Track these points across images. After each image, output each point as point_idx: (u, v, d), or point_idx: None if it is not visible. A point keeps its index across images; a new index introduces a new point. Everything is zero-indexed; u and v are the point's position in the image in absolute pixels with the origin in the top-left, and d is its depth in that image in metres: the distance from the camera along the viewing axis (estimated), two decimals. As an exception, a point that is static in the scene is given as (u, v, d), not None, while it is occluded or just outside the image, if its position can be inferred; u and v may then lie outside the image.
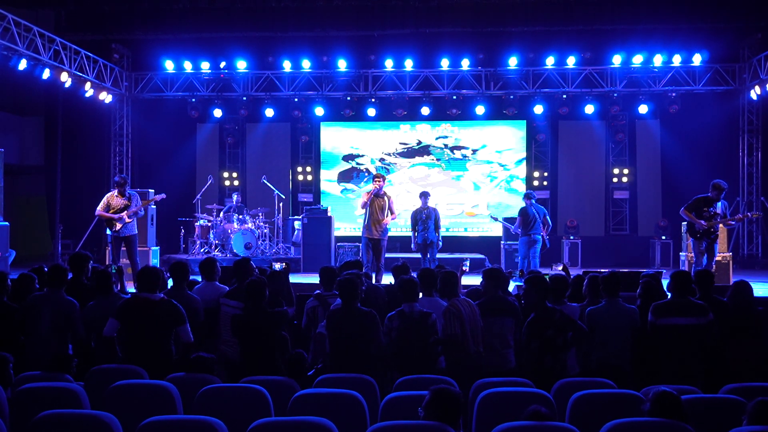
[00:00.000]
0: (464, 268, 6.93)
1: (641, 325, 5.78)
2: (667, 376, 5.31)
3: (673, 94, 14.77)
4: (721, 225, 9.89)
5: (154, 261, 12.18)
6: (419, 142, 16.26)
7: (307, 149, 16.67)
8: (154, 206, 12.27)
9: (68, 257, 7.10)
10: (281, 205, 15.00)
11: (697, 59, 14.29)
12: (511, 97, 15.19)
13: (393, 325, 5.59)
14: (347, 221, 15.53)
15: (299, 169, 16.68)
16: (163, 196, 11.11)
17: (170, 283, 6.61)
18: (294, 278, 6.78)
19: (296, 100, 15.48)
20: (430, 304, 5.90)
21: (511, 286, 7.14)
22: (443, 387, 3.61)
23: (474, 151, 16.14)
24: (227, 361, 5.86)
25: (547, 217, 11.48)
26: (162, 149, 16.00)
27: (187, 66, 15.09)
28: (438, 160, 16.20)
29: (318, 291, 6.51)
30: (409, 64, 14.81)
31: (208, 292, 6.44)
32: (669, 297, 5.74)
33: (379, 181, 10.69)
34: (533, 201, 11.40)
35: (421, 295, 6.03)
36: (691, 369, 5.50)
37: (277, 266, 6.44)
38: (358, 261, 7.57)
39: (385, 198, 10.75)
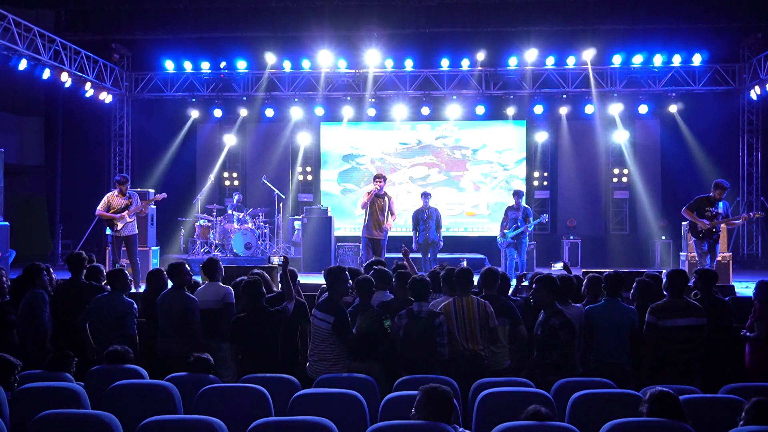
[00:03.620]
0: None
1: (640, 325, 5.77)
2: (667, 375, 5.31)
3: (673, 94, 14.79)
4: (723, 225, 9.88)
5: (154, 261, 12.17)
6: (419, 142, 16.26)
7: (307, 149, 16.67)
8: (154, 206, 12.29)
9: (66, 258, 7.19)
10: (281, 205, 15.01)
11: (696, 59, 14.29)
12: (511, 97, 15.20)
13: (401, 323, 5.60)
14: (347, 221, 15.53)
15: (299, 169, 16.68)
16: (164, 195, 11.11)
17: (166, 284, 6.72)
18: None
19: (296, 100, 15.49)
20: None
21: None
22: (433, 386, 3.60)
23: (474, 151, 16.15)
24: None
25: None
26: (162, 149, 15.98)
27: (187, 66, 15.09)
28: (438, 160, 16.20)
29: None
30: (409, 64, 14.82)
31: (210, 292, 6.43)
32: (666, 297, 5.71)
33: (379, 182, 10.71)
34: None
35: (444, 295, 6.09)
36: (691, 368, 5.50)
37: (275, 260, 6.41)
38: (381, 261, 7.57)
39: (386, 198, 10.78)
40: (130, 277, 6.73)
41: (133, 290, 9.01)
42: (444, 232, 11.72)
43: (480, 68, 14.83)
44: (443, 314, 5.64)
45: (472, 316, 5.63)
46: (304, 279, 11.41)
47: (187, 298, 6.29)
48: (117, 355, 5.14)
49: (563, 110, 15.33)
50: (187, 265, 6.50)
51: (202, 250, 14.28)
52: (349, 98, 15.42)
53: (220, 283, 6.52)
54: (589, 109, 15.13)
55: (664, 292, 5.86)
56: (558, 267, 6.82)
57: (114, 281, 6.40)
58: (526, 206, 11.91)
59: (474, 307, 5.67)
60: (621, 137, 15.70)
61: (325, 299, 5.76)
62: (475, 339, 5.61)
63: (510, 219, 11.55)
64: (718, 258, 10.11)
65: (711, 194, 9.48)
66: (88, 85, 13.79)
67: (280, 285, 6.65)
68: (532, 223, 11.59)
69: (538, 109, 15.11)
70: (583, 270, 8.63)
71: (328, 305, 5.65)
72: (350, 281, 5.93)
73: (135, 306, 6.38)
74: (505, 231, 11.50)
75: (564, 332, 5.48)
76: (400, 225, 13.59)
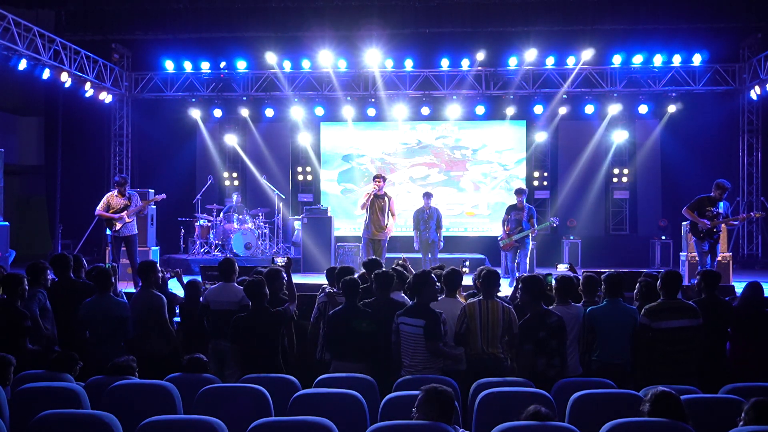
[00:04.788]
0: (464, 269, 6.92)
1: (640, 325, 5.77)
2: (663, 377, 5.30)
3: (673, 94, 14.79)
4: (723, 225, 9.86)
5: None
6: (419, 142, 16.26)
7: (307, 149, 16.65)
8: (154, 206, 12.29)
9: (50, 260, 6.92)
10: (281, 205, 15.02)
11: (696, 59, 14.28)
12: (511, 97, 15.19)
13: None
14: (347, 221, 15.53)
15: (299, 169, 16.67)
16: (164, 196, 11.09)
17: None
18: (295, 278, 6.78)
19: (296, 100, 15.48)
20: (452, 304, 5.89)
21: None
22: (435, 386, 3.60)
23: (474, 151, 16.14)
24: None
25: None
26: (162, 149, 15.99)
27: (187, 66, 15.08)
28: (438, 160, 16.20)
29: (330, 289, 6.61)
30: (409, 64, 14.81)
31: (227, 293, 6.39)
32: (661, 299, 5.69)
33: (378, 182, 10.70)
34: None
35: (444, 295, 6.08)
36: (687, 370, 5.49)
37: (280, 261, 6.45)
38: (377, 260, 7.52)
39: (386, 198, 10.78)
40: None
41: (132, 290, 9.01)
42: (444, 232, 11.70)
43: (480, 68, 14.82)
44: (443, 312, 5.64)
45: (496, 320, 5.60)
46: (304, 279, 11.45)
47: (154, 296, 6.31)
48: (119, 368, 4.91)
49: (563, 110, 15.31)
50: (158, 265, 6.58)
51: (202, 250, 14.28)
52: (349, 98, 15.41)
53: (235, 284, 6.50)
54: (588, 109, 15.12)
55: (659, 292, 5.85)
56: (563, 268, 6.80)
57: (103, 282, 6.18)
58: (530, 206, 11.25)
59: (499, 312, 5.63)
60: (620, 137, 15.71)
61: (414, 304, 5.62)
62: (495, 343, 5.60)
63: (513, 220, 10.84)
64: (719, 258, 10.11)
65: (712, 194, 9.47)
66: (87, 85, 13.78)
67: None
68: (540, 226, 11.34)
69: (538, 109, 15.11)
70: (582, 270, 8.61)
71: (418, 310, 5.52)
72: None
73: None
74: (513, 236, 10.75)
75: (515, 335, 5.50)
76: (400, 225, 13.57)
